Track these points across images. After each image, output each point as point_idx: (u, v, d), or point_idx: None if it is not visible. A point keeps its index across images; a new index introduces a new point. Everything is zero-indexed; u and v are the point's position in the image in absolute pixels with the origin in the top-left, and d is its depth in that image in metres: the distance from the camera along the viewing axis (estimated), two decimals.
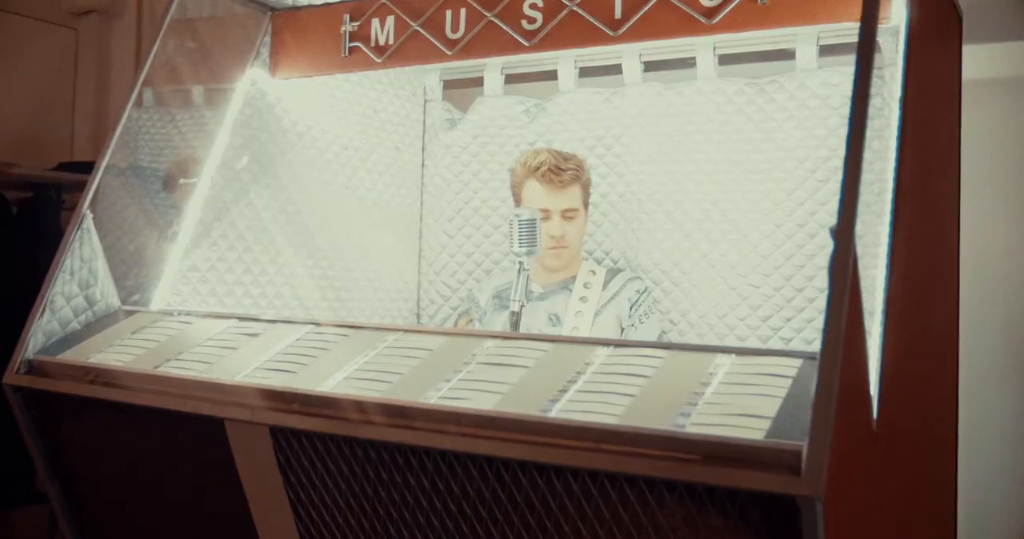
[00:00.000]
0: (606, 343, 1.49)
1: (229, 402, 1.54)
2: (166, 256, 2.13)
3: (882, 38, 2.24)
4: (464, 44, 2.06)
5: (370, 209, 2.67)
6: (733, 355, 1.38)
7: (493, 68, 2.74)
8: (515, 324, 1.99)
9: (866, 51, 1.42)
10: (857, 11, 1.68)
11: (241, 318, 1.82)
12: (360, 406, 1.42)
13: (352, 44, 2.20)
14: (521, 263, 2.01)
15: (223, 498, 1.63)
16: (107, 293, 1.96)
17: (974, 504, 2.29)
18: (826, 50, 2.32)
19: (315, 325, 1.74)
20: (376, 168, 2.69)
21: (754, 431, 1.18)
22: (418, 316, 2.85)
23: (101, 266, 1.94)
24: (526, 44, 1.99)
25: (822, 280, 2.33)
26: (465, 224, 2.80)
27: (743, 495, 1.16)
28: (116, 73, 3.79)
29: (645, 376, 1.37)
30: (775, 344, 2.37)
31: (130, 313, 1.96)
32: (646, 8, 1.86)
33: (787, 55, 2.38)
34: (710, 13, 1.81)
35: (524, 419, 1.31)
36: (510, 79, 2.75)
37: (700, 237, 2.48)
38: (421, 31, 2.11)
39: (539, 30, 1.97)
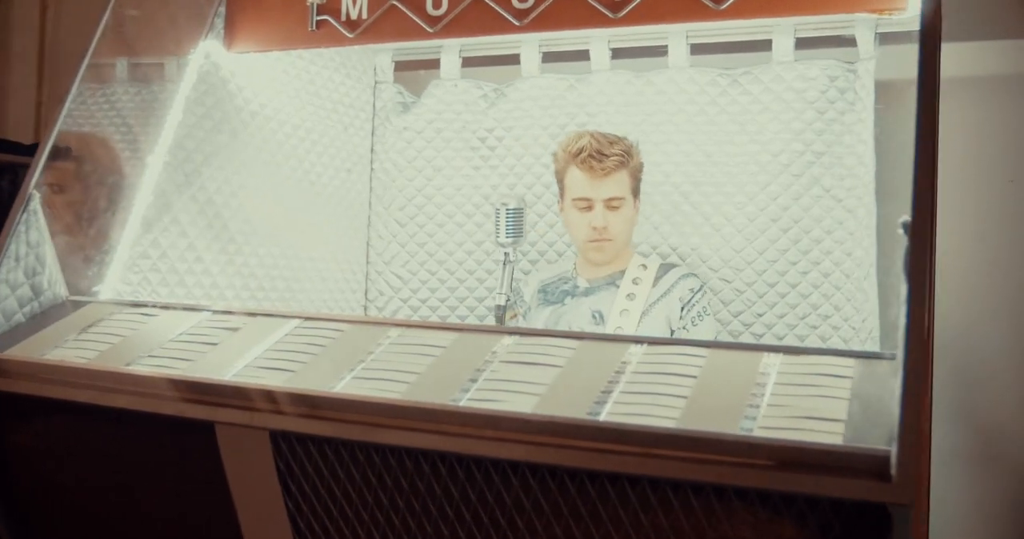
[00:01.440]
0: (638, 340, 1.40)
1: (223, 404, 1.39)
2: (115, 243, 1.94)
3: (857, 32, 2.24)
4: (448, 21, 1.94)
5: (320, 195, 2.51)
6: (781, 354, 1.32)
7: (450, 50, 2.62)
8: (499, 318, 1.90)
9: (930, 43, 1.36)
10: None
11: (216, 311, 1.66)
12: (383, 408, 1.30)
13: (320, 17, 2.05)
14: (507, 254, 1.91)
15: (206, 510, 1.48)
16: (55, 282, 1.76)
17: None
18: (802, 43, 2.30)
19: (303, 320, 1.60)
20: (327, 152, 2.54)
21: (830, 435, 1.12)
22: (365, 308, 2.71)
23: (49, 252, 1.75)
24: (517, 23, 1.89)
25: (794, 276, 2.32)
26: (418, 212, 2.68)
27: (824, 503, 1.10)
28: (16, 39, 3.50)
29: (692, 376, 1.29)
30: (745, 340, 2.34)
31: (79, 304, 1.77)
32: None
33: (762, 46, 2.35)
34: None
35: (572, 423, 1.22)
36: (468, 62, 2.64)
37: (670, 231, 2.43)
38: (399, 6, 1.98)
39: (532, 9, 1.87)
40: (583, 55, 2.52)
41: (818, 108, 2.29)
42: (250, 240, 2.26)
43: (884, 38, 2.22)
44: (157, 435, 1.48)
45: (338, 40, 2.05)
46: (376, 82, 2.72)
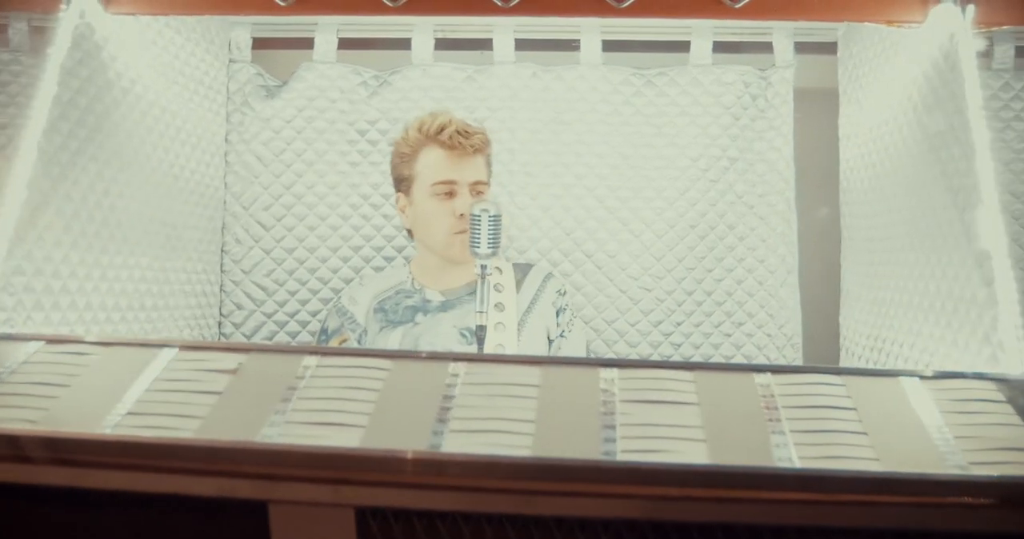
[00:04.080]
0: (685, 366, 1.26)
1: (284, 476, 1.06)
2: None
3: (775, 39, 2.24)
4: None
5: (183, 192, 2.10)
6: (916, 378, 1.24)
7: (327, 28, 2.30)
8: (481, 340, 1.66)
9: None
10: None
11: (186, 347, 1.29)
12: (504, 468, 1.05)
13: None
14: (484, 267, 1.68)
15: None
16: None
17: None
18: (720, 47, 2.26)
19: (320, 355, 1.28)
20: (189, 141, 2.12)
21: None
22: (220, 324, 2.31)
23: None
24: (500, 4, 1.66)
25: (710, 283, 2.27)
26: (286, 213, 2.32)
27: None
28: None
29: (841, 407, 1.17)
30: (665, 351, 2.27)
31: None
32: None
33: (677, 47, 2.28)
34: None
35: (744, 472, 1.05)
36: (346, 44, 2.33)
37: (584, 236, 2.29)
38: None
39: None
40: (482, 44, 2.31)
41: (734, 113, 2.26)
42: (121, 249, 1.82)
43: (807, 47, 2.24)
44: (178, 527, 1.11)
45: (264, 7, 1.69)
46: (231, 61, 2.32)
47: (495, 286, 1.99)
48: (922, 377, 1.24)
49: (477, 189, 1.95)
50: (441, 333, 1.95)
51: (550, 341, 2.00)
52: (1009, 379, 1.24)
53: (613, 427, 1.12)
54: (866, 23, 1.84)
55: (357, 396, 1.18)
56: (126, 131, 1.84)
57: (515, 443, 1.09)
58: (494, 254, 1.67)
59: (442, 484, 1.05)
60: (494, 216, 1.66)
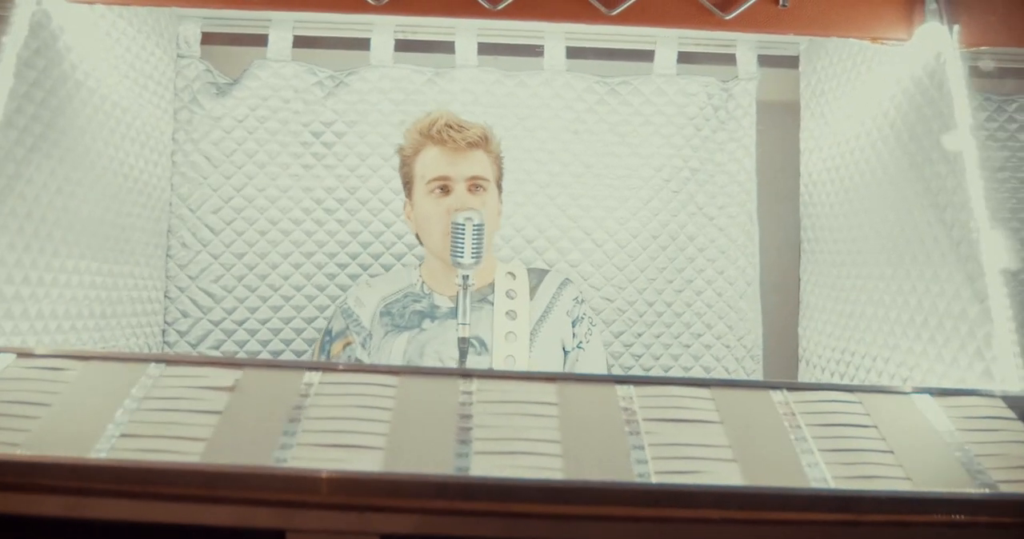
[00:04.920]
0: (701, 383, 1.23)
1: (303, 503, 0.99)
2: None
3: (738, 51, 2.25)
4: None
5: (131, 192, 1.98)
6: (927, 396, 1.24)
7: (282, 25, 2.21)
8: (464, 352, 1.60)
9: None
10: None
11: (171, 362, 1.20)
12: (540, 492, 1.01)
13: None
14: (466, 277, 1.62)
15: None
16: None
17: None
18: (685, 57, 2.26)
19: (322, 371, 1.21)
20: (138, 139, 2.00)
21: None
22: (164, 332, 2.19)
23: None
24: (489, 7, 1.61)
25: (670, 294, 2.27)
26: (236, 217, 2.22)
27: None
28: None
29: (862, 425, 1.17)
30: (626, 362, 2.25)
31: None
32: None
33: (640, 56, 2.27)
34: (724, 5, 1.63)
35: (783, 494, 1.03)
36: (301, 42, 2.24)
37: (545, 245, 2.25)
38: None
39: None
40: (444, 47, 2.25)
41: (696, 124, 2.26)
42: (72, 253, 1.71)
43: (770, 61, 2.25)
44: None
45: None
46: (179, 56, 2.21)
47: (507, 292, 1.91)
48: (932, 393, 1.25)
49: (475, 183, 1.84)
50: (448, 341, 1.84)
51: (565, 352, 1.92)
52: (1018, 396, 1.26)
53: (642, 448, 1.09)
54: (832, 37, 1.85)
55: (369, 415, 1.12)
56: (79, 127, 1.72)
57: (546, 465, 1.05)
58: (477, 264, 1.62)
59: (474, 509, 1.00)
60: (478, 224, 1.61)
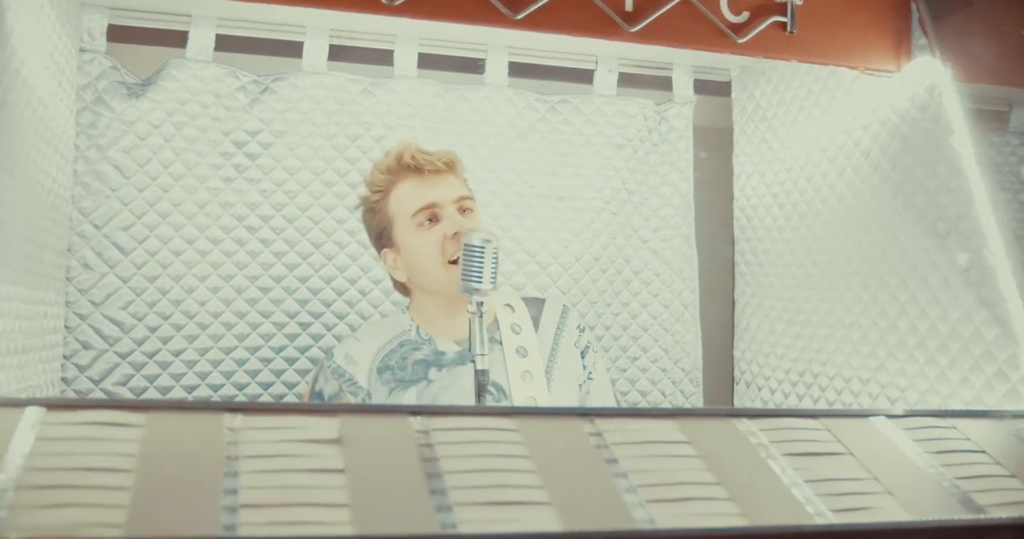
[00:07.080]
0: (665, 414, 1.17)
1: None
2: None
3: (675, 75, 2.27)
4: None
5: (40, 205, 1.70)
6: (883, 418, 1.25)
7: (203, 21, 1.99)
8: (481, 386, 1.48)
9: None
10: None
11: (67, 406, 1.01)
12: None
13: None
14: (480, 304, 1.51)
15: None
16: None
17: None
18: (625, 79, 2.24)
19: (243, 414, 1.06)
20: (52, 142, 1.72)
21: None
22: (62, 367, 1.89)
23: None
24: (509, 15, 1.52)
25: (608, 318, 2.24)
26: (149, 235, 1.96)
27: None
28: None
29: (835, 453, 1.13)
30: None
31: None
32: (664, 9, 1.58)
33: (580, 76, 2.23)
34: (737, 29, 1.62)
35: (797, 533, 1.00)
36: (226, 43, 2.02)
37: None
38: None
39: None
40: (381, 56, 2.11)
41: (634, 146, 2.25)
42: (4, 275, 1.44)
43: (705, 87, 2.28)
44: None
45: None
46: (82, 50, 1.93)
47: (511, 327, 1.75)
48: (888, 416, 1.26)
49: (463, 205, 1.71)
50: (463, 390, 1.65)
51: (579, 386, 1.78)
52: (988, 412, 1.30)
53: (634, 490, 1.00)
54: (765, 61, 1.89)
55: (313, 465, 0.93)
56: (14, 126, 1.45)
57: (538, 516, 0.93)
58: (493, 289, 1.51)
59: None
60: (497, 247, 1.51)
